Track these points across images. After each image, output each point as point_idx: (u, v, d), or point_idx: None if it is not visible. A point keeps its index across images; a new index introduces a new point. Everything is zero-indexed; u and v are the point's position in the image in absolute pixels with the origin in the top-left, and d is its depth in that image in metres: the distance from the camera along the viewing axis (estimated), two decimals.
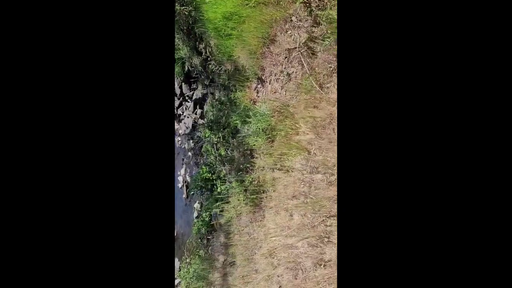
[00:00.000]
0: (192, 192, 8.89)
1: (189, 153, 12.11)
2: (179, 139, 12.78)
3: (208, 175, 7.77)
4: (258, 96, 6.22)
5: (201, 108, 11.48)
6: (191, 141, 11.18)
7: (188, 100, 11.61)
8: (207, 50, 7.84)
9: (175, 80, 11.58)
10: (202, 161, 9.19)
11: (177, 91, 11.77)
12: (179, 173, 12.72)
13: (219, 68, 7.01)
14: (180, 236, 13.04)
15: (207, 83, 8.98)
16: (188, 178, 12.33)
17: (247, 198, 6.12)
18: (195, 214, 11.50)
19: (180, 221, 12.95)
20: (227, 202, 7.02)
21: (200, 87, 11.02)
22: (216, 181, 7.58)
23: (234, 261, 6.75)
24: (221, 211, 7.36)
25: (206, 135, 7.73)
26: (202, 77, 9.67)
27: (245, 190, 6.24)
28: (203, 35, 7.44)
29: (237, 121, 6.58)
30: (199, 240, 8.71)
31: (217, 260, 7.47)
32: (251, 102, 6.37)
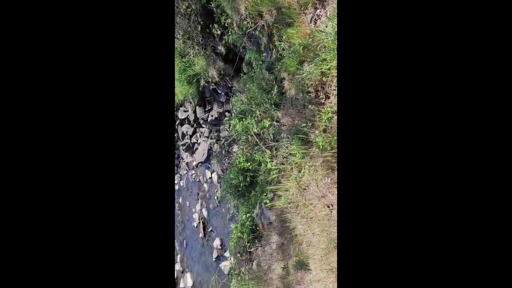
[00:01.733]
0: (225, 195, 6.98)
1: (207, 180, 10.30)
2: (193, 172, 11.09)
3: (246, 164, 6.00)
4: (317, 26, 4.73)
5: (217, 131, 9.89)
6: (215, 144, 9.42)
7: (203, 126, 10.08)
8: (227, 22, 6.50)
9: (189, 104, 10.18)
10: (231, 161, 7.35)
11: (191, 116, 10.31)
12: (194, 210, 10.88)
13: (254, 24, 5.52)
14: (198, 285, 10.89)
15: (231, 73, 7.46)
16: (205, 214, 10.46)
17: (316, 162, 4.39)
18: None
19: (197, 267, 10.96)
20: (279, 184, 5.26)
21: (216, 106, 9.54)
22: (258, 166, 5.82)
23: (306, 264, 4.86)
24: (271, 200, 5.52)
25: (237, 125, 6.08)
26: (222, 84, 8.20)
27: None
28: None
29: (292, 64, 5.01)
30: (239, 256, 6.71)
31: (272, 271, 5.51)
32: (307, 37, 4.86)
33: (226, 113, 9.66)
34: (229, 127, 7.32)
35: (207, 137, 10.54)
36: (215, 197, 10.77)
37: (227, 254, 10.04)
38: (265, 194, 6.11)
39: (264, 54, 5.71)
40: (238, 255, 7.07)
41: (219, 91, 9.34)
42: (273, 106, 6.06)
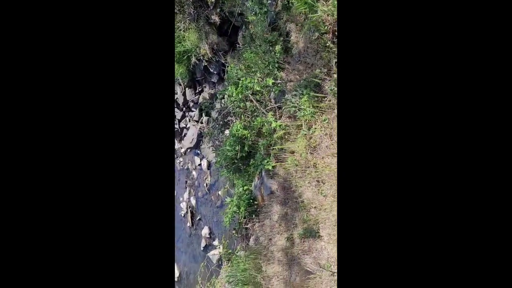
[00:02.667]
0: (219, 167, 6.21)
1: (197, 165, 9.53)
2: (181, 160, 10.34)
3: (244, 131, 5.29)
4: None
5: (208, 115, 9.16)
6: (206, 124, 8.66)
7: (193, 109, 9.33)
8: None
9: (179, 86, 9.43)
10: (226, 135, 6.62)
11: (180, 99, 9.54)
12: (181, 198, 10.12)
13: None
14: (185, 276, 10.12)
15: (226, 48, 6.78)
16: (193, 202, 9.71)
17: (331, 114, 3.71)
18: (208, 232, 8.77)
19: (184, 257, 10.16)
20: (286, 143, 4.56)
21: (207, 87, 8.82)
22: (259, 130, 5.12)
23: (316, 231, 4.16)
24: (273, 167, 4.82)
25: (233, 94, 5.38)
26: (215, 61, 7.49)
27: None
28: None
29: (304, 7, 4.34)
30: (234, 233, 5.95)
31: (273, 244, 4.78)
32: None
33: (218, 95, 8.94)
34: (223, 98, 6.58)
35: (197, 121, 9.78)
36: (204, 184, 10.00)
37: (215, 242, 9.31)
38: (266, 160, 5.39)
39: (269, 1, 5.03)
40: (233, 231, 6.30)
41: (211, 70, 8.60)
42: (276, 65, 5.37)
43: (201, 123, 10.00)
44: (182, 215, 10.38)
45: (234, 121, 6.34)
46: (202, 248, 9.76)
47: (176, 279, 10.20)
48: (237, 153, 6.05)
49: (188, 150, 10.21)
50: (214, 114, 8.12)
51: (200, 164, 10.07)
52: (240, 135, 5.76)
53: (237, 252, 6.17)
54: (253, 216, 6.07)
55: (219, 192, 9.59)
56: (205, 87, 9.37)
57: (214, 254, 9.07)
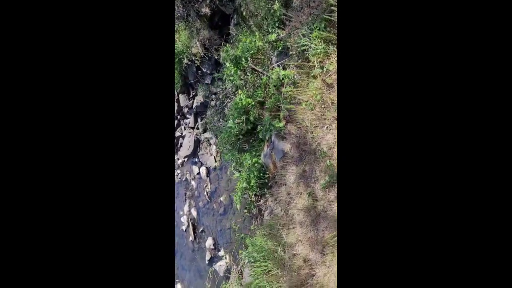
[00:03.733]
0: (222, 149, 5.67)
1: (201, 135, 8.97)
2: (178, 172, 9.77)
3: (248, 100, 4.82)
4: None
5: (204, 123, 8.71)
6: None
7: (188, 116, 8.87)
8: None
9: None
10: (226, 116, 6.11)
11: (174, 107, 9.06)
12: (181, 212, 9.47)
13: None
14: None
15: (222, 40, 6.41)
16: (194, 214, 9.07)
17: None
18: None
19: (189, 275, 9.44)
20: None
21: (200, 90, 8.40)
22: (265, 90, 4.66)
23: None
24: (284, 127, 4.33)
25: (231, 69, 4.99)
26: (207, 59, 7.11)
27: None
28: None
29: None
30: (246, 212, 5.35)
31: (294, 208, 4.23)
32: None
33: (213, 96, 8.48)
34: (223, 78, 6.10)
35: (193, 127, 9.27)
36: (205, 193, 9.36)
37: (221, 253, 8.58)
38: (276, 121, 4.86)
39: None
40: (245, 211, 5.65)
41: (204, 69, 8.17)
42: (276, 24, 4.96)
43: (197, 128, 9.48)
44: (184, 229, 9.66)
45: (235, 97, 5.83)
46: (207, 262, 9.02)
47: None
48: (242, 127, 5.51)
49: (185, 159, 9.62)
50: (212, 102, 7.60)
51: (199, 173, 9.48)
52: (244, 104, 5.24)
53: (251, 232, 5.50)
54: (265, 190, 5.45)
55: (221, 199, 8.98)
56: (199, 90, 8.92)
57: (220, 265, 8.36)
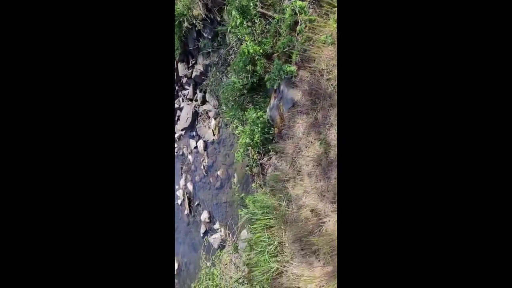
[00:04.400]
0: (224, 106, 5.27)
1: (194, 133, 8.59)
2: (175, 145, 9.35)
3: (255, 47, 4.43)
4: None
5: (202, 91, 8.29)
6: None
7: (186, 86, 8.45)
8: None
9: None
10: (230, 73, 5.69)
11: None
12: (177, 186, 9.05)
13: None
14: (184, 267, 8.94)
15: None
16: (190, 188, 8.69)
17: None
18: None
19: (183, 247, 9.01)
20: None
21: (200, 59, 7.97)
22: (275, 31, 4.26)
23: None
24: (296, 72, 3.96)
25: (237, 19, 4.58)
26: (209, 23, 6.68)
27: None
28: None
29: None
30: (247, 169, 4.95)
31: (303, 157, 3.86)
32: None
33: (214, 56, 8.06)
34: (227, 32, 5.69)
35: (191, 99, 8.85)
36: (202, 167, 8.96)
37: (216, 226, 8.20)
38: (287, 65, 4.47)
39: None
40: (247, 168, 5.25)
41: (205, 34, 7.75)
42: None
43: (196, 100, 9.07)
44: (179, 203, 9.26)
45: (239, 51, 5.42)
46: (201, 235, 8.63)
47: (175, 272, 8.96)
48: (247, 81, 5.11)
49: (183, 133, 9.21)
50: (214, 58, 7.16)
51: (196, 147, 9.08)
52: (250, 52, 4.84)
53: (252, 190, 5.11)
54: (269, 148, 5.06)
55: (218, 173, 8.61)
56: (199, 57, 8.49)
57: (215, 238, 7.99)
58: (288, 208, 4.46)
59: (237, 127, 5.31)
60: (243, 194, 5.54)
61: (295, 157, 4.45)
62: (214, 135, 8.95)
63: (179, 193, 9.31)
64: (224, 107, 5.62)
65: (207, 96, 8.23)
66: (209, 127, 9.01)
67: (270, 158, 5.10)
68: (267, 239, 4.49)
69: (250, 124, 4.95)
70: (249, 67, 4.93)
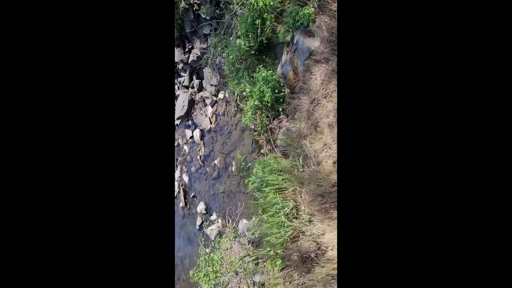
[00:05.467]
0: (228, 71, 4.78)
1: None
2: None
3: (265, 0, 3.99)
4: None
5: (199, 78, 7.85)
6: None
7: (182, 74, 7.99)
8: None
9: None
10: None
11: None
12: None
13: None
14: (180, 262, 8.34)
15: None
16: (185, 179, 8.18)
17: None
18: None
19: (178, 241, 8.43)
20: None
21: (198, 42, 7.52)
22: None
23: None
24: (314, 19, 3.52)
25: None
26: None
27: None
28: None
29: None
30: (255, 134, 4.46)
31: (322, 107, 3.40)
32: None
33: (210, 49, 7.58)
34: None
35: (187, 86, 8.35)
36: (198, 157, 8.42)
37: (213, 217, 7.65)
38: (305, 8, 4.00)
39: None
40: (255, 133, 4.71)
41: (203, 15, 7.29)
42: None
43: (192, 87, 8.55)
44: (174, 196, 8.62)
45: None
46: (197, 227, 8.04)
47: None
48: (254, 41, 4.61)
49: (178, 122, 8.67)
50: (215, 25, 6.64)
51: (192, 137, 8.55)
52: (260, 5, 4.36)
53: (261, 157, 4.56)
54: (279, 111, 4.55)
55: (215, 162, 8.09)
56: (195, 42, 8.01)
57: (212, 229, 7.43)
58: (304, 167, 3.93)
59: (243, 90, 4.78)
60: (249, 164, 4.99)
61: (312, 111, 3.95)
62: (211, 123, 8.44)
63: (174, 185, 8.72)
64: (228, 73, 5.10)
65: (207, 71, 7.71)
66: (206, 115, 8.50)
67: (281, 121, 4.58)
68: (280, 201, 3.94)
69: (260, 84, 4.44)
70: (258, 22, 4.45)
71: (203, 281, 6.07)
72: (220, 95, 8.20)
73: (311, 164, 3.93)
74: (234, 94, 5.40)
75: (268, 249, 3.85)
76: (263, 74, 4.49)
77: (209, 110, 8.43)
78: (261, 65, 4.70)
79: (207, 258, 6.32)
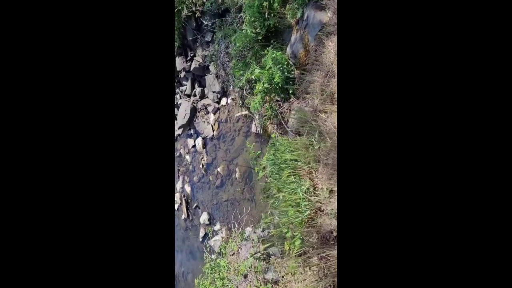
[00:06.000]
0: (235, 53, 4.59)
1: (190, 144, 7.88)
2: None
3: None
4: None
5: (201, 86, 7.73)
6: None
7: (184, 82, 7.87)
8: None
9: None
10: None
11: None
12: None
13: None
14: (182, 277, 8.02)
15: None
16: (188, 190, 7.94)
17: None
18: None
19: (181, 256, 8.08)
20: None
21: (200, 50, 7.44)
22: None
23: None
24: None
25: None
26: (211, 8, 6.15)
27: None
28: None
29: None
30: (265, 119, 4.24)
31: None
32: None
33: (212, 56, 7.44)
34: None
35: (189, 95, 8.17)
36: (201, 166, 8.16)
37: (217, 227, 7.32)
38: None
39: None
40: (264, 118, 4.45)
41: (205, 21, 7.19)
42: None
43: (194, 96, 8.36)
44: (176, 208, 8.29)
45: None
46: (200, 239, 7.68)
47: None
48: (263, 24, 4.43)
49: (180, 132, 8.43)
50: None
51: (194, 145, 8.29)
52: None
53: (273, 140, 4.28)
54: (289, 93, 4.31)
55: (218, 169, 7.82)
56: (197, 49, 7.88)
57: (215, 240, 7.09)
58: (320, 143, 3.66)
59: (250, 79, 4.55)
60: (259, 152, 4.70)
61: (327, 83, 3.71)
62: (213, 130, 8.20)
63: (176, 197, 8.39)
64: (234, 63, 4.89)
65: (209, 78, 7.52)
66: (208, 122, 8.26)
67: (291, 104, 4.32)
68: (297, 179, 3.64)
69: (269, 64, 4.22)
70: (265, 5, 4.27)
71: None
72: (223, 101, 7.99)
73: (328, 139, 3.65)
74: (240, 87, 5.17)
75: (286, 230, 3.51)
76: (273, 55, 4.27)
77: (211, 117, 8.20)
78: (270, 47, 4.49)
79: (213, 265, 5.93)
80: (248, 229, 6.18)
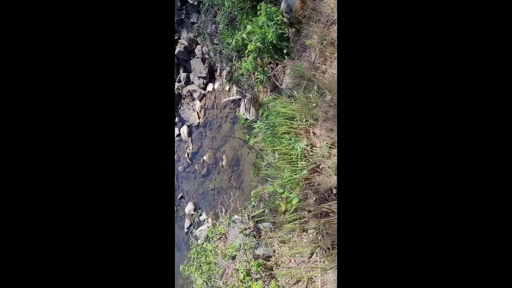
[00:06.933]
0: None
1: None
2: None
3: None
4: None
5: (186, 71, 7.39)
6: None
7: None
8: None
9: None
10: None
11: None
12: None
13: None
14: None
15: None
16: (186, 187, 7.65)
17: None
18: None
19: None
20: None
21: (185, 32, 7.10)
22: None
23: None
24: None
25: None
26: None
27: None
28: None
29: None
30: (257, 82, 3.84)
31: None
32: None
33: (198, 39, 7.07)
34: None
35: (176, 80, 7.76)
36: (186, 155, 7.76)
37: (203, 217, 6.91)
38: None
39: None
40: (256, 80, 4.04)
41: (190, 1, 6.82)
42: None
43: (179, 81, 7.96)
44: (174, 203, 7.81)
45: None
46: (186, 230, 7.25)
47: None
48: None
49: None
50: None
51: (179, 134, 7.89)
52: None
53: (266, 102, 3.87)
54: (284, 50, 3.92)
55: (204, 158, 7.41)
56: (182, 32, 7.49)
57: (201, 230, 6.69)
58: (319, 99, 3.28)
59: (246, 27, 4.11)
60: (251, 119, 4.28)
61: (327, 32, 3.33)
62: (199, 118, 7.78)
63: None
64: (223, 28, 4.48)
65: (194, 62, 7.12)
66: (194, 110, 7.85)
67: (285, 66, 3.94)
68: (293, 137, 3.24)
69: (262, 22, 3.84)
70: None
71: (196, 274, 5.17)
72: (209, 87, 7.60)
73: (327, 93, 3.27)
74: (229, 58, 4.76)
75: (281, 191, 3.09)
76: (266, 9, 3.89)
77: (197, 104, 7.79)
78: (263, 2, 4.11)
79: (199, 249, 5.46)
80: (236, 217, 5.75)
